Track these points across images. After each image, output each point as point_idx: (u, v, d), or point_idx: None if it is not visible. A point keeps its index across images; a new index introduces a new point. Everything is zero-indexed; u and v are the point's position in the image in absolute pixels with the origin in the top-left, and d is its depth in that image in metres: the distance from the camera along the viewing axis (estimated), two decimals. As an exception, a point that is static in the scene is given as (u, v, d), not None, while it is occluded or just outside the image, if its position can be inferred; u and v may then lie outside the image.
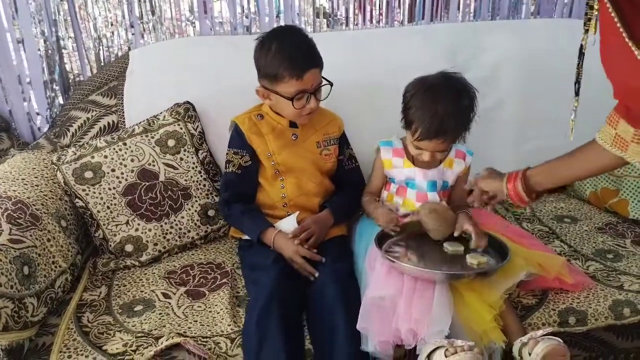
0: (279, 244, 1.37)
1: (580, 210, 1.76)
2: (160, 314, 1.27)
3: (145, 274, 1.45)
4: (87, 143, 1.56)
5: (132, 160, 1.51)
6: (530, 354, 1.12)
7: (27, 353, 1.16)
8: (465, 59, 1.82)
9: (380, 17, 2.02)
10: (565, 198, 1.84)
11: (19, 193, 1.35)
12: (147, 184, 1.51)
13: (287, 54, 1.33)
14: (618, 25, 0.85)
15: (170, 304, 1.31)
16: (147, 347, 1.15)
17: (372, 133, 1.54)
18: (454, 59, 1.80)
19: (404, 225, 1.37)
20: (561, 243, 1.56)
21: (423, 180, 1.43)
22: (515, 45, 1.86)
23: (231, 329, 1.21)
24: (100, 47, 1.87)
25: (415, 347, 1.15)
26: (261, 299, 1.21)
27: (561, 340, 1.13)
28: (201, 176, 1.58)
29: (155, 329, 1.21)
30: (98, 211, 1.48)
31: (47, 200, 1.41)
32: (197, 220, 1.56)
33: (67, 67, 1.87)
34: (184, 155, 1.57)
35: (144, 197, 1.50)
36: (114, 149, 1.51)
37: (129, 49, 1.86)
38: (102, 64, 1.88)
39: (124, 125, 1.69)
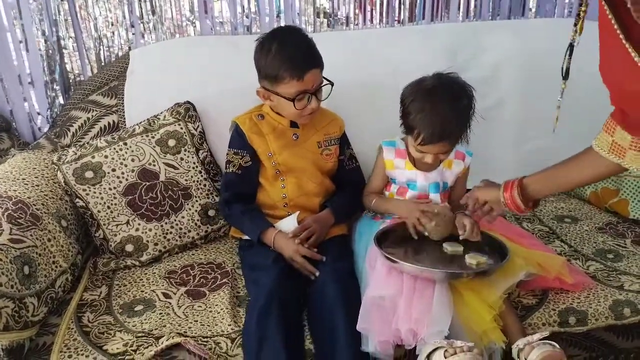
0: (279, 243, 1.37)
1: (580, 210, 1.76)
2: (160, 313, 1.27)
3: (146, 273, 1.45)
4: (87, 143, 1.56)
5: (132, 160, 1.51)
6: None
7: (28, 353, 1.16)
8: (465, 58, 1.82)
9: (381, 17, 2.02)
10: (566, 198, 1.84)
11: (19, 193, 1.35)
12: (148, 183, 1.51)
13: (288, 55, 1.33)
14: (615, 27, 0.85)
15: (170, 303, 1.31)
16: (147, 347, 1.15)
17: (372, 133, 1.54)
18: (455, 58, 1.80)
19: (402, 224, 1.37)
20: (561, 243, 1.56)
21: (425, 183, 1.43)
22: (515, 45, 1.86)
23: (231, 329, 1.21)
24: (101, 47, 1.88)
25: (415, 347, 1.15)
26: (261, 299, 1.21)
27: (557, 345, 1.13)
28: (201, 176, 1.58)
29: (155, 329, 1.21)
30: (98, 211, 1.48)
31: (47, 200, 1.41)
32: (198, 220, 1.56)
33: (68, 67, 1.87)
34: (185, 155, 1.57)
35: (144, 197, 1.50)
36: (115, 148, 1.51)
37: (130, 48, 1.87)
38: (103, 63, 1.88)
39: (125, 125, 1.69)
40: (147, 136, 1.55)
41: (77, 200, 1.48)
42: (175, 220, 1.53)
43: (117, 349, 1.16)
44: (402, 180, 1.45)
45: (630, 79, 0.88)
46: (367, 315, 1.17)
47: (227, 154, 1.48)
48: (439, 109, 1.28)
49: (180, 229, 1.54)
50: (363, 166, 1.60)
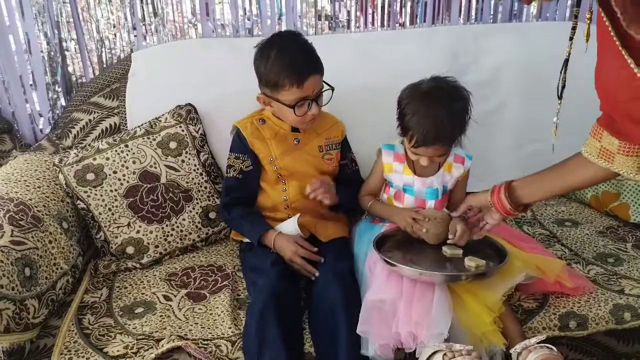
0: (279, 245, 1.38)
1: (581, 214, 1.75)
2: (161, 316, 1.27)
3: (146, 276, 1.45)
4: (89, 145, 1.56)
5: (133, 162, 1.52)
6: None
7: (28, 355, 1.16)
8: (466, 62, 1.82)
9: (382, 20, 2.02)
10: (566, 201, 1.84)
11: (20, 195, 1.36)
12: (149, 186, 1.51)
13: (287, 62, 1.32)
14: (612, 33, 0.85)
15: (171, 306, 1.31)
16: (148, 350, 1.15)
17: (373, 135, 1.54)
18: (456, 61, 1.80)
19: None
20: (562, 247, 1.56)
21: (422, 188, 1.43)
22: (516, 48, 1.86)
23: (232, 332, 1.22)
24: (103, 49, 1.88)
25: (415, 350, 1.15)
26: (260, 302, 1.22)
27: (554, 348, 1.13)
28: (202, 178, 1.59)
29: (156, 331, 1.22)
30: (99, 213, 1.48)
31: (48, 202, 1.41)
32: (199, 223, 1.56)
33: (70, 69, 1.88)
34: (186, 157, 1.57)
35: (145, 199, 1.50)
36: (116, 150, 1.52)
37: (132, 51, 1.87)
38: (105, 65, 1.88)
39: (126, 127, 1.69)
40: (149, 138, 1.55)
41: (79, 202, 1.48)
42: (176, 222, 1.53)
43: (118, 351, 1.16)
44: (399, 184, 1.45)
45: (625, 88, 0.87)
46: (367, 319, 1.17)
47: (228, 158, 1.49)
48: (433, 111, 1.28)
49: (181, 231, 1.54)
50: (364, 169, 1.60)
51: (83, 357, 1.15)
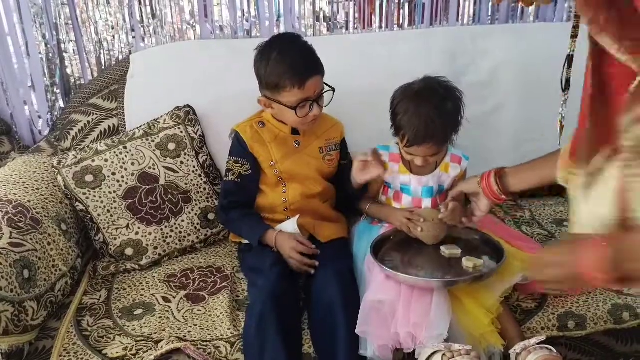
0: (280, 242, 1.38)
1: (580, 215, 1.75)
2: (160, 317, 1.27)
3: (145, 277, 1.45)
4: (87, 146, 1.56)
5: (132, 164, 1.52)
6: None
7: (27, 357, 1.16)
8: (465, 62, 1.82)
9: (381, 21, 2.03)
10: (565, 202, 1.84)
11: (19, 196, 1.36)
12: (148, 187, 1.51)
13: (288, 64, 1.32)
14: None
15: (170, 307, 1.31)
16: (147, 351, 1.16)
17: (372, 137, 1.54)
18: (454, 62, 1.80)
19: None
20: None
21: (418, 187, 1.44)
22: (514, 49, 1.86)
23: (231, 333, 1.22)
24: (101, 51, 1.88)
25: (414, 351, 1.15)
26: (260, 303, 1.22)
27: (554, 349, 1.13)
28: (201, 180, 1.59)
29: (155, 333, 1.22)
30: (98, 215, 1.48)
31: (47, 203, 1.41)
32: (197, 224, 1.56)
33: (68, 70, 1.88)
34: (185, 158, 1.57)
35: (144, 201, 1.50)
36: (115, 152, 1.52)
37: (130, 52, 1.87)
38: (103, 67, 1.88)
39: (125, 128, 1.69)
40: (147, 140, 1.56)
41: (77, 203, 1.48)
42: (175, 224, 1.53)
43: (117, 353, 1.16)
44: (397, 184, 1.46)
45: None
46: (366, 319, 1.17)
47: (227, 162, 1.48)
48: (424, 110, 1.29)
49: (180, 232, 1.54)
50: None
51: (82, 359, 1.15)
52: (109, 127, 1.71)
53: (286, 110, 1.37)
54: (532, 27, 2.06)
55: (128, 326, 1.25)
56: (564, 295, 1.31)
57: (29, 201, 1.36)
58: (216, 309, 1.30)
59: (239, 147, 1.47)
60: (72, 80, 1.89)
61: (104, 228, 1.49)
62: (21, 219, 1.28)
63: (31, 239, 1.26)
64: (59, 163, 1.50)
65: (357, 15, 2.01)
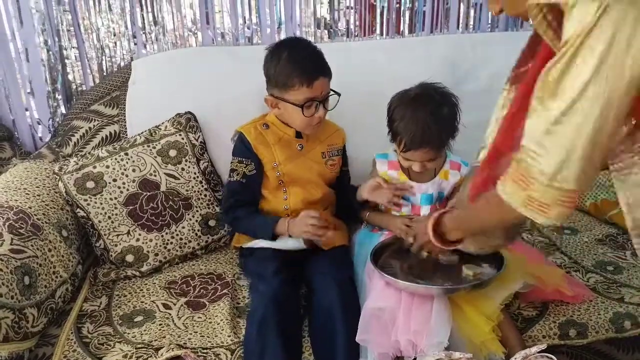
0: (293, 227, 1.37)
1: (580, 222, 1.75)
2: (160, 324, 1.27)
3: (146, 284, 1.45)
4: (89, 153, 1.56)
5: (133, 170, 1.52)
6: None
7: (27, 364, 1.16)
8: (464, 70, 1.83)
9: (381, 28, 2.04)
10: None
11: (20, 203, 1.36)
12: (149, 194, 1.51)
13: (298, 62, 1.35)
14: None
15: (170, 314, 1.31)
16: (147, 359, 1.15)
17: (372, 143, 1.54)
18: (454, 70, 1.81)
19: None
20: (561, 254, 1.56)
21: (417, 194, 1.44)
22: (514, 56, 1.85)
23: (231, 340, 1.21)
24: (103, 57, 1.89)
25: (415, 359, 1.14)
26: (262, 308, 1.22)
27: (554, 358, 1.12)
28: (202, 186, 1.59)
29: (155, 340, 1.21)
30: (99, 221, 1.48)
31: (48, 210, 1.41)
32: (198, 230, 1.56)
33: (70, 76, 1.89)
34: (186, 165, 1.57)
35: (145, 207, 1.50)
36: (116, 159, 1.52)
37: (132, 59, 1.87)
38: (105, 74, 1.89)
39: (126, 135, 1.69)
40: (148, 146, 1.56)
41: (78, 210, 1.48)
42: (175, 230, 1.53)
43: (117, 360, 1.16)
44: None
45: None
46: (366, 327, 1.17)
47: (232, 162, 1.48)
48: (420, 115, 1.31)
49: (181, 239, 1.54)
50: (362, 177, 1.60)
51: (82, 366, 1.14)
52: (110, 133, 1.72)
53: (293, 109, 1.38)
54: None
55: (128, 333, 1.24)
56: (566, 303, 1.31)
57: (30, 207, 1.36)
58: (216, 315, 1.29)
59: (243, 148, 1.46)
60: (74, 87, 1.90)
61: (105, 234, 1.49)
62: (22, 225, 1.28)
63: (32, 246, 1.26)
64: (60, 169, 1.50)
65: (357, 22, 2.02)
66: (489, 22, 2.09)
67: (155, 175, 1.53)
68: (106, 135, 1.71)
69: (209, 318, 1.29)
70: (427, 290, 1.21)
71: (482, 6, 2.05)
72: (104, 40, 1.87)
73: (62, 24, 1.82)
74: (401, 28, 2.05)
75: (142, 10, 1.86)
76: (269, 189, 1.48)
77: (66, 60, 1.86)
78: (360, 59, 1.83)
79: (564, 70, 0.76)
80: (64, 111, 1.88)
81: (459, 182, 1.47)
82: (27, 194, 1.41)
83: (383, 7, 2.00)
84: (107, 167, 1.50)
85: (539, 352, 1.14)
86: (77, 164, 1.51)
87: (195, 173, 1.58)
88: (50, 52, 1.83)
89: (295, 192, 1.47)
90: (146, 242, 1.50)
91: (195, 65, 1.77)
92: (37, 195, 1.43)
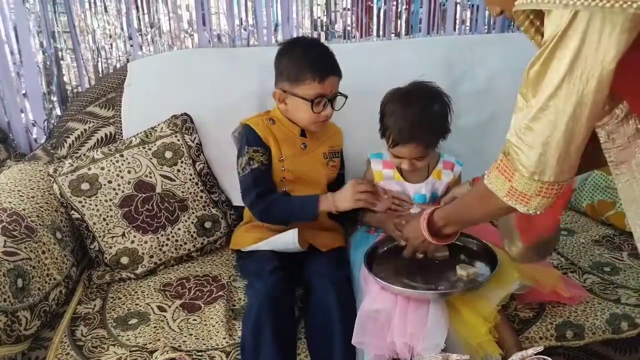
0: (338, 198, 1.37)
1: (577, 223, 1.75)
2: (155, 327, 1.26)
3: (141, 286, 1.44)
4: (84, 154, 1.56)
5: (129, 172, 1.51)
6: None
7: (20, 367, 1.15)
8: (461, 71, 1.83)
9: (378, 30, 2.03)
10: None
11: (14, 205, 1.35)
12: (144, 195, 1.51)
13: (312, 58, 1.37)
14: None
15: (165, 317, 1.30)
16: (141, 361, 1.14)
17: (368, 144, 1.54)
18: (451, 71, 1.81)
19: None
20: (558, 255, 1.55)
21: (411, 195, 1.44)
22: (511, 58, 1.86)
23: (227, 343, 1.21)
24: (99, 59, 1.88)
25: (412, 360, 1.14)
26: (256, 305, 1.22)
27: None
28: (198, 188, 1.58)
29: (149, 343, 1.20)
30: (94, 223, 1.47)
31: (42, 212, 1.40)
32: (194, 232, 1.55)
33: (65, 78, 1.88)
34: (181, 167, 1.57)
35: (140, 209, 1.50)
36: (111, 160, 1.51)
37: (128, 60, 1.87)
38: (101, 75, 1.88)
39: (122, 136, 1.69)
40: (144, 148, 1.55)
41: (73, 212, 1.47)
42: (171, 232, 1.52)
43: (111, 363, 1.15)
44: (392, 190, 1.45)
45: None
46: (362, 330, 1.16)
47: (247, 152, 1.42)
48: (409, 110, 1.32)
49: (176, 241, 1.53)
50: (357, 177, 1.59)
51: (75, 369, 1.14)
52: (106, 135, 1.71)
53: (301, 104, 1.38)
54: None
55: (122, 336, 1.24)
56: (563, 304, 1.31)
57: (24, 209, 1.35)
58: (212, 318, 1.29)
59: (255, 137, 1.43)
60: (69, 88, 1.89)
61: (100, 236, 1.48)
62: (16, 227, 1.27)
63: (25, 248, 1.25)
64: (54, 171, 1.49)
65: (354, 24, 2.01)
66: (486, 23, 2.08)
67: (150, 177, 1.52)
68: (101, 137, 1.70)
69: (204, 320, 1.28)
70: (422, 295, 1.20)
71: (479, 7, 2.05)
72: (99, 41, 1.86)
73: (57, 26, 1.81)
74: (398, 30, 2.04)
75: (138, 11, 1.85)
76: None
77: (62, 62, 1.86)
78: (357, 60, 1.82)
79: (541, 69, 0.81)
80: (59, 113, 1.87)
81: (452, 182, 1.47)
82: (21, 196, 1.41)
83: (380, 8, 2.00)
84: (102, 168, 1.50)
85: (535, 354, 1.13)
86: (72, 165, 1.50)
87: (191, 175, 1.58)
88: (46, 54, 1.82)
89: (296, 191, 1.46)
90: (141, 244, 1.49)
91: (191, 67, 1.77)
92: (32, 197, 1.42)
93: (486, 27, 2.09)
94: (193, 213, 1.56)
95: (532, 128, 0.85)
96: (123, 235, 1.48)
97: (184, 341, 1.22)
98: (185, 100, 1.67)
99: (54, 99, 1.87)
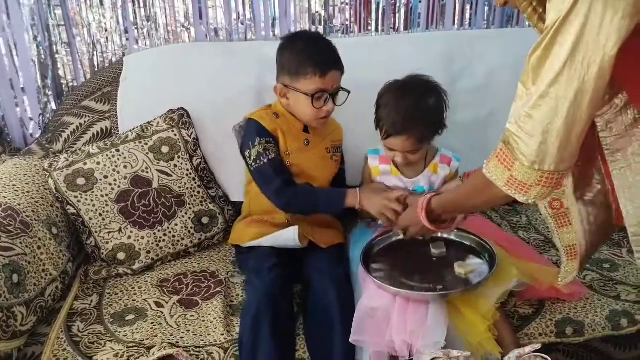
0: (366, 200, 1.35)
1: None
2: (152, 323, 1.25)
3: (138, 282, 1.43)
4: (79, 149, 1.54)
5: (125, 167, 1.50)
6: None
7: (16, 363, 1.13)
8: (460, 67, 1.82)
9: (377, 25, 2.02)
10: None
11: (9, 199, 1.33)
12: (141, 191, 1.49)
13: (313, 52, 1.36)
14: None
15: (162, 313, 1.29)
16: (138, 358, 1.14)
17: (367, 139, 1.53)
18: (450, 66, 1.80)
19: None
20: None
21: (410, 188, 1.43)
22: (510, 53, 1.86)
23: (224, 339, 1.20)
24: (94, 53, 1.86)
25: (411, 358, 1.13)
26: (255, 301, 1.22)
27: (549, 358, 1.11)
28: (195, 183, 1.57)
29: (147, 339, 1.20)
30: (90, 218, 1.46)
31: (38, 207, 1.39)
32: (191, 228, 1.54)
33: (61, 72, 1.86)
34: (178, 162, 1.55)
35: (137, 204, 1.48)
36: (107, 155, 1.50)
37: (124, 54, 1.85)
38: (96, 69, 1.87)
39: (118, 131, 1.67)
40: (140, 143, 1.54)
41: (69, 207, 1.46)
42: (168, 227, 1.51)
43: (108, 359, 1.14)
44: (390, 185, 1.45)
45: None
46: (360, 327, 1.16)
47: (259, 143, 1.39)
48: (403, 102, 1.31)
49: (174, 236, 1.52)
50: (356, 173, 1.59)
51: (72, 365, 1.12)
52: (102, 129, 1.69)
53: (302, 99, 1.37)
54: (527, 32, 2.05)
55: (119, 332, 1.23)
56: (562, 301, 1.30)
57: (19, 204, 1.34)
58: (209, 314, 1.28)
59: (264, 130, 1.41)
60: (65, 82, 1.87)
61: (96, 232, 1.46)
62: (10, 223, 1.26)
63: (21, 243, 1.24)
64: (50, 166, 1.47)
65: (353, 18, 2.00)
66: (485, 18, 2.08)
67: (147, 172, 1.51)
68: (97, 132, 1.69)
69: (202, 316, 1.27)
70: (421, 296, 1.20)
71: (478, 2, 2.04)
72: (95, 35, 1.84)
73: (52, 19, 1.79)
74: (397, 24, 2.03)
75: (134, 5, 1.83)
76: None
77: (57, 56, 1.84)
78: (355, 55, 1.80)
79: (543, 55, 0.81)
80: (54, 107, 1.86)
81: (449, 176, 1.47)
82: (16, 190, 1.39)
83: (379, 3, 1.98)
84: (98, 163, 1.48)
85: (532, 352, 1.13)
86: (68, 160, 1.48)
87: (188, 170, 1.56)
88: (41, 48, 1.80)
89: None
90: (138, 240, 1.47)
91: (188, 61, 1.75)
92: (27, 192, 1.41)
93: (485, 22, 2.08)
94: (190, 208, 1.54)
95: (532, 116, 0.84)
96: (120, 230, 1.47)
97: (182, 337, 1.21)
98: (182, 94, 1.66)
99: (49, 93, 1.85)
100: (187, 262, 1.52)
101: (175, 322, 1.26)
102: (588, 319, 1.27)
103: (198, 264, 1.51)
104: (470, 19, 2.07)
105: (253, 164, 1.39)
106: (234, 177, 1.62)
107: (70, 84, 1.87)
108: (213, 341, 1.19)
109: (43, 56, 1.81)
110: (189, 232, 1.54)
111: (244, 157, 1.43)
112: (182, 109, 1.62)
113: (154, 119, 1.59)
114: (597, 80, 0.78)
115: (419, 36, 2.00)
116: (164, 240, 1.50)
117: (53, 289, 1.30)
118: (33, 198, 1.40)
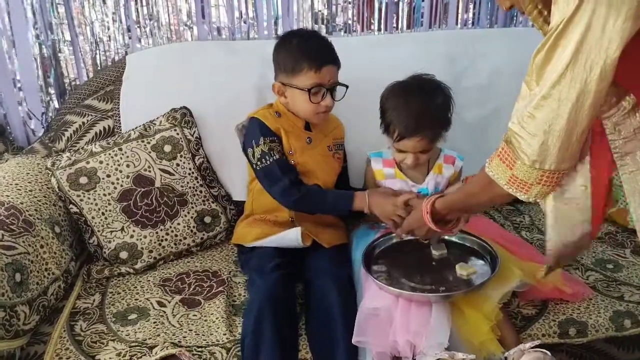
0: (375, 203, 1.35)
1: (579, 219, 1.74)
2: (154, 322, 1.25)
3: (140, 281, 1.43)
4: (82, 148, 1.54)
5: (127, 166, 1.49)
6: None
7: (18, 362, 1.13)
8: (464, 66, 1.81)
9: (379, 24, 2.02)
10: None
11: (12, 198, 1.33)
12: (143, 190, 1.49)
13: (308, 47, 1.36)
14: None
15: (165, 312, 1.29)
16: (141, 357, 1.14)
17: (369, 139, 1.53)
18: (453, 66, 1.79)
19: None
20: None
21: (415, 191, 1.43)
22: (513, 52, 1.85)
23: (227, 338, 1.20)
24: (97, 51, 1.86)
25: (414, 358, 1.13)
26: (257, 301, 1.22)
27: (548, 353, 1.11)
28: (198, 182, 1.57)
29: (149, 338, 1.19)
30: (93, 217, 1.46)
31: (40, 205, 1.39)
32: (194, 227, 1.54)
33: (63, 71, 1.85)
34: (181, 161, 1.55)
35: (139, 204, 1.48)
36: (110, 154, 1.49)
37: (126, 53, 1.85)
38: (99, 68, 1.86)
39: (120, 130, 1.67)
40: (143, 142, 1.53)
41: (71, 206, 1.46)
42: (170, 227, 1.51)
43: (110, 358, 1.14)
44: (395, 189, 1.44)
45: None
46: (363, 328, 1.16)
47: (263, 142, 1.38)
48: (413, 103, 1.31)
49: (176, 235, 1.51)
50: (360, 175, 1.59)
51: (74, 364, 1.12)
52: (104, 128, 1.69)
53: (299, 95, 1.36)
54: (530, 31, 2.04)
55: (122, 331, 1.22)
56: (565, 301, 1.30)
57: (22, 203, 1.34)
58: (212, 313, 1.27)
59: (267, 129, 1.41)
60: (67, 81, 1.87)
61: (99, 231, 1.46)
62: (13, 221, 1.26)
63: (23, 242, 1.24)
64: (52, 164, 1.47)
65: (355, 17, 2.00)
66: (488, 18, 2.07)
67: (149, 171, 1.51)
68: (100, 130, 1.69)
69: (204, 316, 1.27)
70: (424, 297, 1.19)
71: (481, 2, 2.04)
72: (98, 34, 1.84)
73: (55, 18, 1.79)
74: (399, 23, 2.03)
75: (136, 3, 1.83)
76: None
77: (59, 54, 1.83)
78: (358, 54, 1.81)
79: (546, 56, 0.82)
80: (57, 106, 1.85)
81: (453, 176, 1.47)
82: (18, 189, 1.39)
83: (381, 2, 1.98)
84: (101, 162, 1.48)
85: (532, 348, 1.13)
86: (70, 159, 1.48)
87: (190, 169, 1.56)
88: (43, 46, 1.79)
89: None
90: (140, 239, 1.47)
91: (190, 60, 1.75)
92: (29, 190, 1.41)
93: (488, 21, 2.07)
94: (192, 208, 1.54)
95: (534, 116, 0.85)
96: (122, 229, 1.47)
97: (184, 337, 1.20)
98: (184, 93, 1.66)
99: (52, 91, 1.85)
100: (189, 262, 1.52)
101: (178, 321, 1.26)
102: (591, 320, 1.27)
103: (200, 263, 1.51)
104: (473, 18, 2.07)
105: (258, 163, 1.39)
106: (237, 176, 1.62)
107: (73, 83, 1.87)
108: (215, 341, 1.19)
109: (45, 55, 1.81)
110: (192, 231, 1.54)
111: (247, 156, 1.43)
112: (185, 107, 1.62)
113: (157, 118, 1.59)
114: (600, 83, 0.79)
115: (421, 35, 2.00)
116: (166, 240, 1.50)
117: (55, 288, 1.30)
118: (36, 197, 1.40)
